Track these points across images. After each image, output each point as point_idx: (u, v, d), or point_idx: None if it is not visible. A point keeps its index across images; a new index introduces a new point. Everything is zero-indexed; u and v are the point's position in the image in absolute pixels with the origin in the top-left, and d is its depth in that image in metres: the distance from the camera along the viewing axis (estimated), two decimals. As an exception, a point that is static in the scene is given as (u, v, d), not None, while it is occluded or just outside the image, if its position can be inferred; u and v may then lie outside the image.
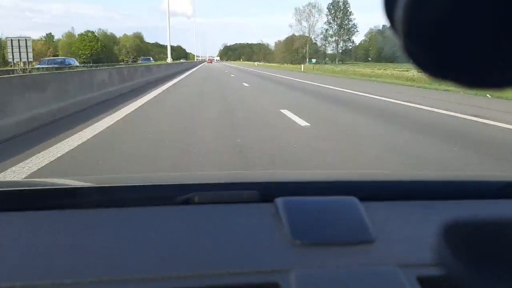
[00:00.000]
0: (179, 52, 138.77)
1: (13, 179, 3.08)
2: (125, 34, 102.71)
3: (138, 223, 0.69)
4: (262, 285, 0.53)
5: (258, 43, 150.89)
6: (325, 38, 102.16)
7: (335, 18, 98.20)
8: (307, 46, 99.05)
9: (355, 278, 0.53)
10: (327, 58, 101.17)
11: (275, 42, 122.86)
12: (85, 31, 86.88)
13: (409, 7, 0.22)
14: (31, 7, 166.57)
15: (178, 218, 0.71)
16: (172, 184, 0.89)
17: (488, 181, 0.96)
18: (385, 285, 0.52)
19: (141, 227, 0.68)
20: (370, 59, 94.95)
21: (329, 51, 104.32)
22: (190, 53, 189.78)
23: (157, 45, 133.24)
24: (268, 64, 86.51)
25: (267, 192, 0.77)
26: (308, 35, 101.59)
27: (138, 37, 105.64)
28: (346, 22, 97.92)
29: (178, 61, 53.25)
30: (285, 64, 64.15)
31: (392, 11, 0.23)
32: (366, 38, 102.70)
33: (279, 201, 0.70)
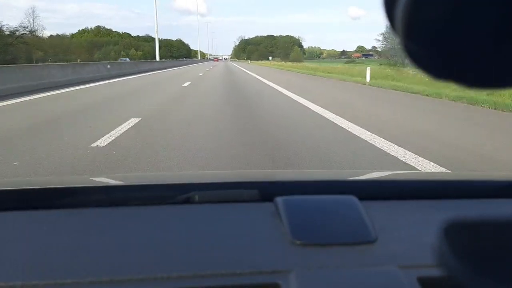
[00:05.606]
0: (178, 49, 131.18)
1: (13, 179, 3.07)
2: None
3: (138, 223, 0.69)
4: (262, 286, 0.53)
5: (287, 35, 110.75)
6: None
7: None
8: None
9: (356, 279, 0.53)
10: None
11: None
12: None
13: (409, 7, 0.21)
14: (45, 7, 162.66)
15: (178, 217, 0.71)
16: (172, 184, 0.89)
17: (489, 181, 0.95)
18: (385, 286, 0.52)
19: (141, 227, 0.68)
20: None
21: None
22: (200, 51, 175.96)
23: (148, 38, 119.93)
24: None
25: (267, 191, 0.77)
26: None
27: None
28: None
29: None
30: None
31: (392, 10, 0.23)
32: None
33: (279, 200, 0.70)
